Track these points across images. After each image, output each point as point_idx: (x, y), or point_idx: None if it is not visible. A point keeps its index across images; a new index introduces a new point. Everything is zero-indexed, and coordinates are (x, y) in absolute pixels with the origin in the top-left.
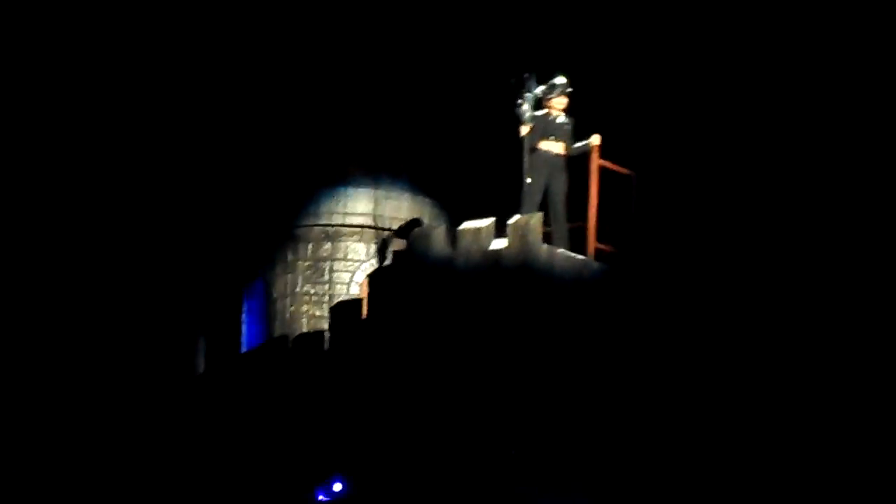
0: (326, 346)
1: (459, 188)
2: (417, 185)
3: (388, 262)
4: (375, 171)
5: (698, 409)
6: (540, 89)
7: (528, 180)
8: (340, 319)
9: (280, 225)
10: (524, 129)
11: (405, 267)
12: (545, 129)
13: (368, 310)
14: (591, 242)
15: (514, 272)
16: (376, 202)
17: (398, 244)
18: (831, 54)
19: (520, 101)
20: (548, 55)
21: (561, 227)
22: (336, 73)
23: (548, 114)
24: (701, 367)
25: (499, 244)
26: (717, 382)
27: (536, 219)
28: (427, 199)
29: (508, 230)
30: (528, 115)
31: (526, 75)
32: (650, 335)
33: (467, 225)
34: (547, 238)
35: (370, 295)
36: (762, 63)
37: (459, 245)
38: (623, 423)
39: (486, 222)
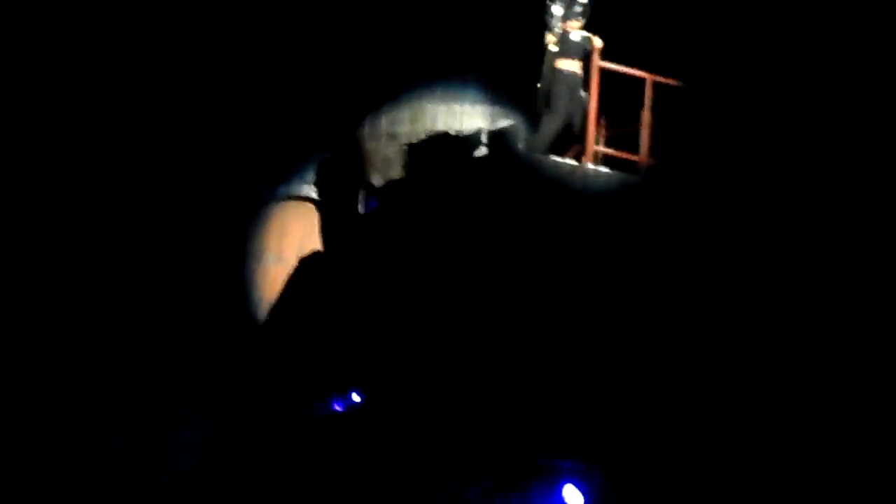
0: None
1: None
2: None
3: None
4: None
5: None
6: (558, 7)
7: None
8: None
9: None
10: (550, 39)
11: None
12: (563, 48)
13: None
14: (590, 147)
15: (496, 180)
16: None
17: None
18: None
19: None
20: None
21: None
22: None
23: (565, 32)
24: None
25: (481, 153)
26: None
27: (513, 128)
28: None
29: (489, 140)
30: (556, 24)
31: None
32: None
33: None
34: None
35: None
36: None
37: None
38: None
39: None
